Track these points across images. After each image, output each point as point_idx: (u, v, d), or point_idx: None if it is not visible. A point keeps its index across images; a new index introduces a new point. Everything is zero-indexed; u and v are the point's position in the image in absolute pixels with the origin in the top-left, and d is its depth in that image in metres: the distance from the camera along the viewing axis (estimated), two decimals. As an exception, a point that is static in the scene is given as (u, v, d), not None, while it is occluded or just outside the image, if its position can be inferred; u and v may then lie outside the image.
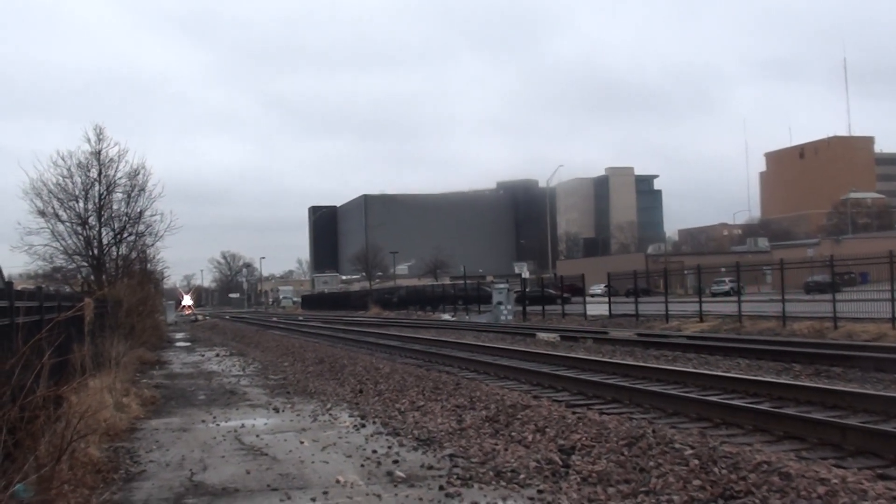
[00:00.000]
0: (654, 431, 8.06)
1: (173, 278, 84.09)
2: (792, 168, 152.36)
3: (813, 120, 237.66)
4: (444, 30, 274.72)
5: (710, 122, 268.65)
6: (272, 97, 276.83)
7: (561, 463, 7.47)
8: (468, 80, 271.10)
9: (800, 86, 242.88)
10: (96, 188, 26.23)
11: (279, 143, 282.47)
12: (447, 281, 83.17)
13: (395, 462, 7.87)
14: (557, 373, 14.95)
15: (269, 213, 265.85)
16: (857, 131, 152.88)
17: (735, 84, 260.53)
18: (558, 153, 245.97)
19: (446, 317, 49.41)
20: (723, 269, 46.65)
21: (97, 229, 26.54)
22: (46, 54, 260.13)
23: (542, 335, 26.72)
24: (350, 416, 11.00)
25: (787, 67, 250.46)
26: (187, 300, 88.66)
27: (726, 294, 42.58)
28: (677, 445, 7.46)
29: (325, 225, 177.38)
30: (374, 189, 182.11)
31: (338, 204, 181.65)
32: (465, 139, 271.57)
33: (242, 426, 10.48)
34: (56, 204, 25.58)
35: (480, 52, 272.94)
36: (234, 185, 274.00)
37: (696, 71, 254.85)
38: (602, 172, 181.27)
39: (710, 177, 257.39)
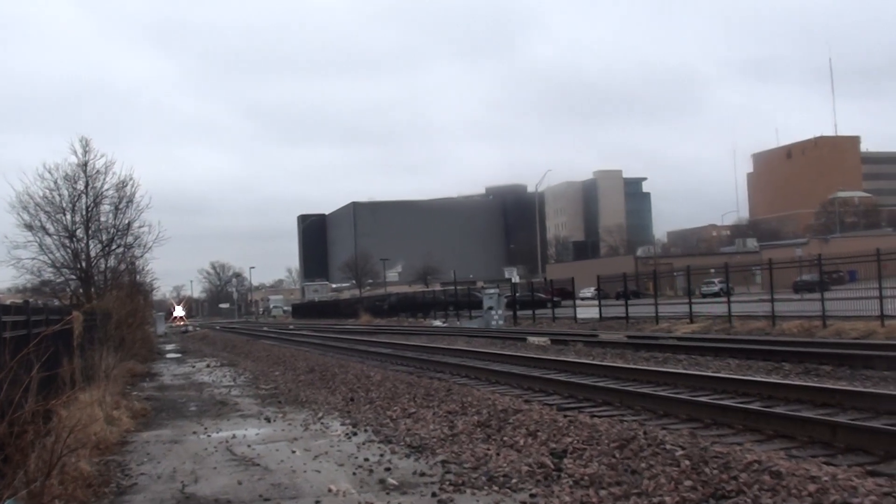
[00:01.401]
0: (645, 433, 8.08)
1: (163, 289, 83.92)
2: (779, 168, 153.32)
3: (799, 120, 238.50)
4: (425, 35, 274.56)
5: (697, 124, 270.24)
6: (255, 105, 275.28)
7: (553, 466, 7.48)
8: (453, 85, 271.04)
9: (785, 86, 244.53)
10: (83, 200, 26.06)
11: (265, 151, 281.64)
12: (438, 287, 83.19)
13: (388, 470, 7.86)
14: (548, 376, 14.98)
15: (258, 222, 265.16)
16: (843, 131, 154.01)
17: (720, 85, 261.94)
18: (546, 157, 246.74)
19: (437, 323, 49.39)
20: (712, 270, 46.91)
21: (85, 242, 26.38)
22: (23, 65, 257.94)
23: (532, 339, 26.76)
24: (342, 425, 10.98)
25: (771, 68, 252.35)
26: (179, 311, 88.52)
27: (716, 295, 42.72)
28: (668, 446, 7.49)
29: (315, 233, 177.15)
30: (363, 196, 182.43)
31: (326, 211, 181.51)
32: (452, 144, 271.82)
33: (234, 437, 10.44)
34: (43, 217, 25.44)
35: (463, 57, 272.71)
36: (222, 194, 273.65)
37: (681, 73, 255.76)
38: (590, 176, 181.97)
39: (698, 178, 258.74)
